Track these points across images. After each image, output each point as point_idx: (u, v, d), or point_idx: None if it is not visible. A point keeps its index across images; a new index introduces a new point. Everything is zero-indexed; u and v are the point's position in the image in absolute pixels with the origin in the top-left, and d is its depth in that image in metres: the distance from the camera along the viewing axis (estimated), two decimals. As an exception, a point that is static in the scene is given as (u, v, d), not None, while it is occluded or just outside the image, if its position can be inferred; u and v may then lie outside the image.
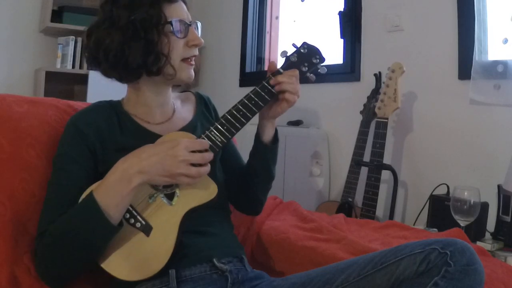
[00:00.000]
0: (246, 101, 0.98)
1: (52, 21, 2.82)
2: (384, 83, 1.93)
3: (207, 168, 0.91)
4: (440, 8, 1.98)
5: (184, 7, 1.02)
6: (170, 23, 0.96)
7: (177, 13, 0.99)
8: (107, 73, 1.00)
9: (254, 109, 0.98)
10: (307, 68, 1.03)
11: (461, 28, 1.90)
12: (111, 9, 0.96)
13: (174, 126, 1.06)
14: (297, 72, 1.01)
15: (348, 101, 2.31)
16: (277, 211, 1.48)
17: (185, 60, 1.00)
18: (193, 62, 1.03)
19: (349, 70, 2.35)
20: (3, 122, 0.99)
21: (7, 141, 0.98)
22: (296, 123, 2.52)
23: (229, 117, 0.97)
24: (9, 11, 2.86)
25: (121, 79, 1.01)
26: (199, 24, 1.05)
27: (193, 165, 0.89)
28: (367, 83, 2.20)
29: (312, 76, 1.05)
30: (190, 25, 1.00)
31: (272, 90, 0.99)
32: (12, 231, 0.93)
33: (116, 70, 0.98)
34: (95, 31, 0.97)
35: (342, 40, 2.39)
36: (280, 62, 1.04)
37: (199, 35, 1.04)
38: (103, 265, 0.89)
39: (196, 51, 1.02)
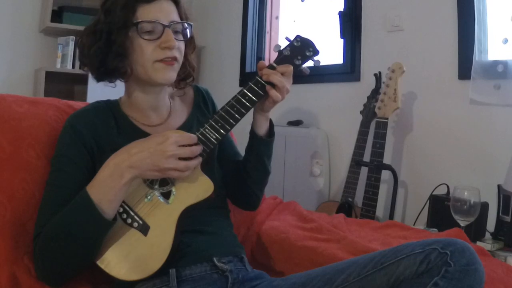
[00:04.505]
0: (240, 97, 0.97)
1: (52, 21, 2.82)
2: (384, 83, 1.93)
3: (196, 162, 0.91)
4: (440, 8, 1.98)
5: (165, 6, 0.99)
6: (136, 24, 0.95)
7: (151, 13, 0.96)
8: (91, 73, 1.04)
9: (248, 104, 0.97)
10: (300, 61, 1.01)
11: (461, 28, 1.90)
12: (99, 14, 0.99)
13: (170, 127, 1.07)
14: (290, 68, 0.99)
15: (348, 101, 2.31)
16: (277, 211, 1.48)
17: (160, 60, 0.98)
18: (172, 63, 0.99)
19: (349, 70, 2.35)
20: (3, 122, 1.00)
21: (7, 141, 0.98)
22: (296, 123, 2.51)
23: (223, 113, 0.96)
24: (9, 11, 2.86)
25: (96, 78, 1.04)
26: (189, 26, 1.02)
27: (183, 159, 0.89)
28: (367, 83, 2.20)
29: (306, 69, 1.04)
30: (167, 26, 0.97)
31: (266, 84, 0.98)
32: (12, 231, 0.93)
33: (91, 71, 1.02)
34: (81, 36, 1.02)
35: (342, 40, 2.39)
36: (274, 56, 1.03)
37: (188, 36, 1.02)
38: (102, 265, 0.89)
39: (170, 53, 0.97)
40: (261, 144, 1.08)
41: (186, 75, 1.10)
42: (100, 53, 0.97)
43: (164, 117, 1.08)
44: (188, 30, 1.03)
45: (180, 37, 1.01)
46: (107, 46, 0.96)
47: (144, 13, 0.96)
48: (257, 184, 1.14)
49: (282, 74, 0.98)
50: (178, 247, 0.93)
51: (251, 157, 1.10)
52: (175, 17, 1.00)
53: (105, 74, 1.02)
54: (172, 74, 1.01)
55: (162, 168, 0.88)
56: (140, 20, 0.95)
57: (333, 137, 2.41)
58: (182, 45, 1.02)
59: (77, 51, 1.04)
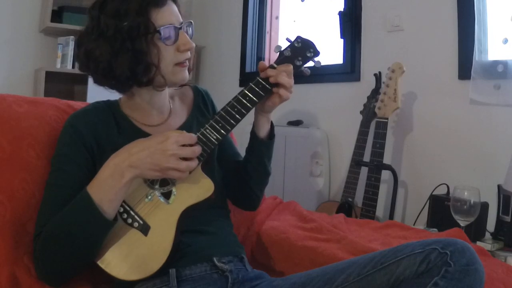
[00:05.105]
0: (240, 98, 0.97)
1: (52, 21, 2.82)
2: (384, 83, 1.93)
3: (196, 162, 0.91)
4: (440, 8, 1.98)
5: (174, 8, 0.99)
6: (158, 31, 0.94)
7: (166, 18, 0.95)
8: (98, 83, 0.99)
9: (249, 105, 0.97)
10: (301, 62, 1.02)
11: (461, 28, 1.90)
12: (99, 16, 0.93)
13: (170, 127, 1.07)
14: (290, 67, 0.99)
15: (348, 101, 2.31)
16: (277, 211, 1.48)
17: (178, 64, 0.99)
18: (186, 64, 1.01)
19: (349, 70, 2.35)
20: (3, 122, 0.99)
21: (7, 141, 0.98)
22: (296, 123, 2.52)
23: (224, 114, 0.96)
24: (9, 11, 2.86)
25: (113, 89, 1.01)
26: (191, 24, 1.02)
27: (184, 159, 0.89)
28: (367, 83, 2.20)
29: (306, 70, 1.04)
30: (180, 28, 0.98)
31: (267, 85, 0.98)
32: (12, 231, 0.93)
33: (107, 81, 0.98)
34: (85, 41, 0.96)
35: (342, 40, 2.39)
36: (275, 57, 1.03)
37: (192, 34, 1.02)
38: (102, 265, 0.89)
39: (188, 54, 1.00)
40: (262, 146, 1.09)
41: (189, 69, 1.10)
42: (130, 63, 0.93)
43: (165, 117, 1.08)
44: (191, 29, 1.03)
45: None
46: (135, 56, 0.93)
47: (159, 18, 0.94)
48: (258, 184, 1.14)
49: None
50: (178, 247, 0.93)
51: (252, 158, 1.10)
52: (180, 17, 1.00)
53: (129, 85, 0.99)
54: (187, 74, 1.02)
55: (163, 167, 0.87)
56: (163, 26, 0.94)
57: (333, 137, 2.41)
58: None
59: (88, 64, 0.96)
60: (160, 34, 0.94)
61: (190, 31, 1.02)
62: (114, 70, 0.94)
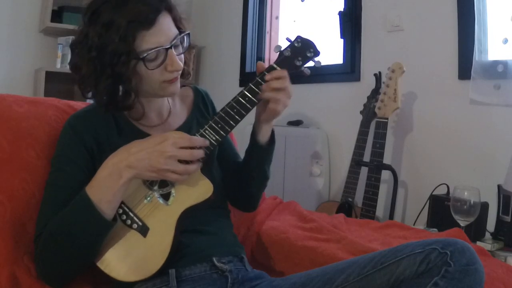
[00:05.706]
0: (240, 98, 0.97)
1: (52, 21, 2.82)
2: (384, 83, 1.93)
3: (196, 166, 0.90)
4: (440, 8, 1.98)
5: (165, 24, 0.92)
6: (142, 58, 0.89)
7: (154, 40, 0.90)
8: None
9: (248, 106, 0.97)
10: (301, 62, 1.00)
11: (461, 28, 1.90)
12: (89, 28, 0.90)
13: (170, 127, 1.06)
14: (284, 72, 0.98)
15: (348, 101, 2.31)
16: (277, 211, 1.48)
17: (165, 81, 0.96)
18: (175, 80, 0.97)
19: (349, 70, 2.35)
20: (3, 122, 1.00)
21: (7, 141, 0.98)
22: (296, 123, 2.52)
23: (223, 115, 0.96)
24: (9, 11, 2.86)
25: (104, 112, 0.99)
26: (187, 36, 0.98)
27: (184, 161, 0.88)
28: (367, 83, 2.20)
29: (306, 70, 1.03)
30: (170, 47, 0.92)
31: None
32: (12, 231, 0.93)
33: (95, 100, 0.97)
34: (76, 48, 0.94)
35: (342, 40, 2.39)
36: (274, 57, 1.03)
37: (189, 44, 0.99)
38: (101, 266, 0.89)
39: (176, 73, 0.96)
40: (262, 152, 1.07)
41: (185, 74, 1.09)
42: (109, 90, 0.91)
43: (164, 117, 1.08)
44: (186, 40, 0.99)
45: (180, 49, 0.98)
46: (115, 83, 0.91)
47: (145, 41, 0.89)
48: (256, 186, 1.14)
49: (278, 79, 0.97)
50: (177, 248, 0.92)
51: (251, 162, 1.09)
52: (173, 30, 0.95)
53: (108, 110, 0.97)
54: (178, 86, 0.99)
55: (160, 169, 0.87)
56: (145, 52, 0.89)
57: (333, 137, 2.41)
58: (182, 56, 0.99)
59: (76, 76, 0.94)
60: (143, 61, 0.90)
61: (185, 42, 0.99)
62: (94, 94, 0.94)
